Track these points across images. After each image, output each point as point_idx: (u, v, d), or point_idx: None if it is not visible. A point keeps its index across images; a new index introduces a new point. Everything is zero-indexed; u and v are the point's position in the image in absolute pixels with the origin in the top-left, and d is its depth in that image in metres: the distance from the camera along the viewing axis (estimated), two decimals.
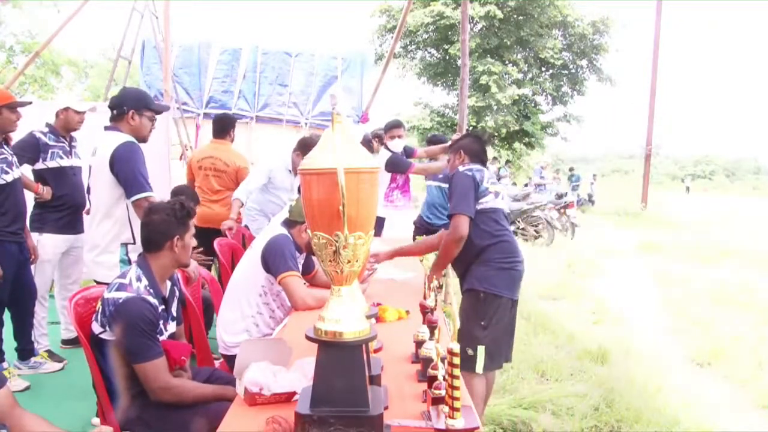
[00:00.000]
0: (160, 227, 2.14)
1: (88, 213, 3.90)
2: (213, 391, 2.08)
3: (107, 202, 2.82)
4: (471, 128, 20.58)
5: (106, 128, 2.89)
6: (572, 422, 3.20)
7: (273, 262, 2.63)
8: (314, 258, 2.95)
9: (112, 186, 2.78)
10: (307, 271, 3.00)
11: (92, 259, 2.90)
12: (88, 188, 2.99)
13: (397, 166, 4.72)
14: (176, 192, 3.72)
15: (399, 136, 4.83)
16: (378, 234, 4.82)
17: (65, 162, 3.65)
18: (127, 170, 2.75)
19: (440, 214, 4.87)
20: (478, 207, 2.73)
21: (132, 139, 2.84)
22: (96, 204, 2.90)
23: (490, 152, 24.06)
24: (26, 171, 3.56)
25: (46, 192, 3.58)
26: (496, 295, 2.71)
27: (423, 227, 5.91)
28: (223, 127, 4.53)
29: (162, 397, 1.99)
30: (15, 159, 3.31)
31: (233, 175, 4.40)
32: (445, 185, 4.65)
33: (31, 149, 3.54)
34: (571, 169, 19.92)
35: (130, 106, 2.86)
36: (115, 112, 2.88)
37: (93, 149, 2.92)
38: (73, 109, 3.65)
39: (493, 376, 2.98)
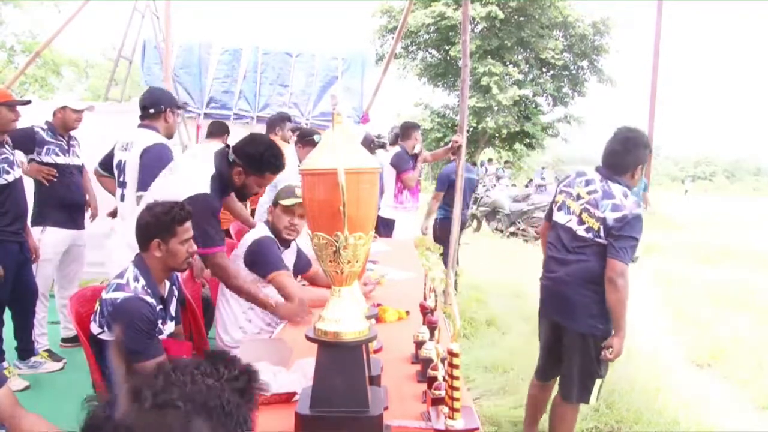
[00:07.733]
0: (142, 227, 2.14)
1: (87, 212, 3.91)
2: None
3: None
4: (471, 129, 20.57)
5: (140, 125, 2.94)
6: None
7: (259, 265, 2.61)
8: (306, 255, 2.94)
9: None
10: (304, 270, 2.99)
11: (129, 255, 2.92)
12: (124, 183, 3.00)
13: (398, 165, 4.88)
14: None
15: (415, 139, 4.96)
16: (389, 235, 4.85)
17: (60, 159, 3.64)
18: (147, 168, 2.77)
19: None
20: None
21: (164, 140, 2.88)
22: (129, 198, 2.92)
23: (490, 153, 23.61)
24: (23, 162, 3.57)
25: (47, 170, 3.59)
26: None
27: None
28: (212, 132, 4.74)
29: None
30: (17, 159, 3.32)
31: None
32: None
33: (27, 138, 3.54)
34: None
35: (167, 104, 2.93)
36: (152, 110, 2.90)
37: (124, 144, 2.95)
38: (71, 108, 3.66)
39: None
